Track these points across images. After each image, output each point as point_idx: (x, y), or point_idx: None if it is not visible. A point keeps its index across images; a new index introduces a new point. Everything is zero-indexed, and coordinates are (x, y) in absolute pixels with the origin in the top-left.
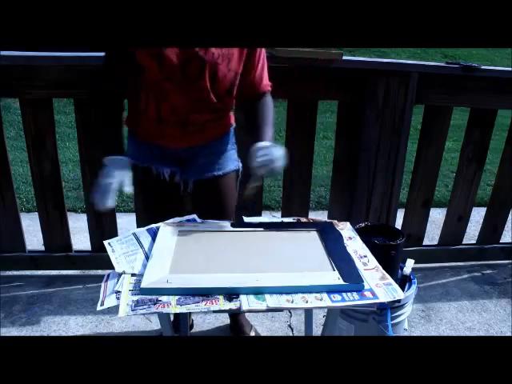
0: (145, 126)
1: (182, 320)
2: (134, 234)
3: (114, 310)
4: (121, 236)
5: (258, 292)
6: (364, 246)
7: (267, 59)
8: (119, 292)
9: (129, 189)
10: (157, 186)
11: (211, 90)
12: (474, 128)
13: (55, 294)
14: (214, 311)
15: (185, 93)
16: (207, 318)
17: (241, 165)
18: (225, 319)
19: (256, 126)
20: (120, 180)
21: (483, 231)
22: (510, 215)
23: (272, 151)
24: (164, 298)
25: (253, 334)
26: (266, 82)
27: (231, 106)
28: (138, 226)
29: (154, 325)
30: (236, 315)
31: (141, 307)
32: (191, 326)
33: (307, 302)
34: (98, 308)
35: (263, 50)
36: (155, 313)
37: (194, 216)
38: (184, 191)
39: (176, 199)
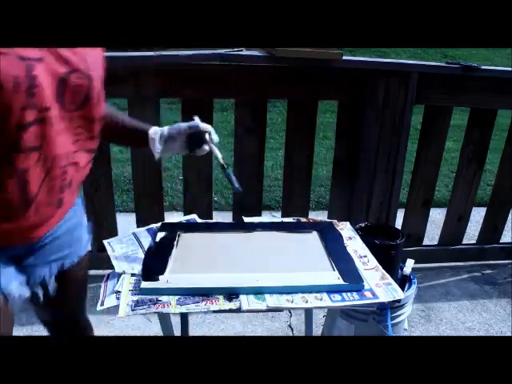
0: None
1: (182, 320)
2: (134, 234)
3: (113, 310)
4: (121, 236)
5: (257, 292)
6: (364, 246)
7: (268, 59)
8: (119, 292)
9: None
10: None
11: (96, 116)
12: (474, 128)
13: None
14: (214, 311)
15: (68, 129)
16: (207, 317)
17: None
18: (225, 319)
19: (127, 123)
20: None
21: (483, 231)
22: (510, 215)
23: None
24: (164, 298)
25: None
26: None
27: None
28: (138, 226)
29: (154, 325)
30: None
31: (141, 307)
32: None
33: (307, 301)
34: (98, 308)
35: None
36: (155, 313)
37: (194, 216)
38: (45, 297)
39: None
